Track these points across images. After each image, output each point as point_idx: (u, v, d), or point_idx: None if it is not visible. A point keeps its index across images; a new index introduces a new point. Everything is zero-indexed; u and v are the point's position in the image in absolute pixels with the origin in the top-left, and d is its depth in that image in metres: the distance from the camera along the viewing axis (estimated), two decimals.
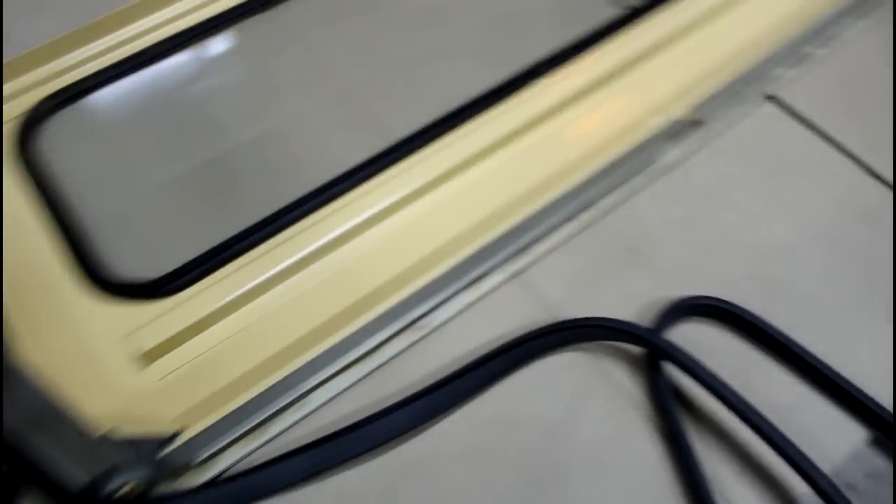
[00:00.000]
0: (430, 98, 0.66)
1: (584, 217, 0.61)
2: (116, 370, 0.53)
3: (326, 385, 0.54)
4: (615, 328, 0.54)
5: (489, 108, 0.63)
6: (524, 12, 0.74)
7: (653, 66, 0.67)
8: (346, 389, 0.55)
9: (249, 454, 0.53)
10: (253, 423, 0.52)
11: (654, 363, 0.54)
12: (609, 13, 0.72)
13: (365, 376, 0.55)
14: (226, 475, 0.52)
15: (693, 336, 0.56)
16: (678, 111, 0.63)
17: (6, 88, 0.69)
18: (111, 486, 0.48)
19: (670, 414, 0.52)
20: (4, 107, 0.69)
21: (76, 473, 0.45)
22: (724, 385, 0.52)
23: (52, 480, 0.42)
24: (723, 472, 0.51)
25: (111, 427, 0.46)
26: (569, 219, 0.61)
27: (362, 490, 0.51)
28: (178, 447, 0.49)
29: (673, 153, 0.64)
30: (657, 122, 0.62)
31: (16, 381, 0.38)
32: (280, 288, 0.56)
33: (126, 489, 0.49)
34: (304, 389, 0.53)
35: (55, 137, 0.68)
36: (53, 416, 0.41)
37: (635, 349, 0.56)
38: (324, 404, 0.54)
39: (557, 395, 0.54)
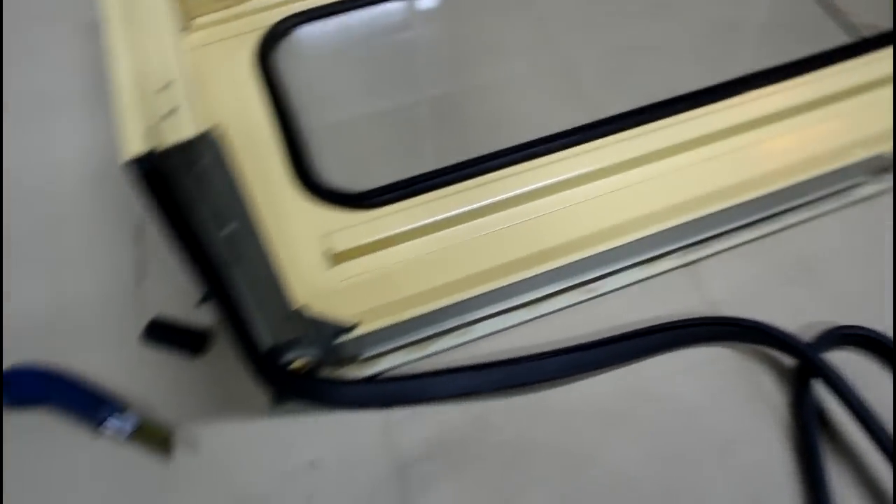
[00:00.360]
0: (640, 86, 0.69)
1: (767, 227, 0.62)
2: (309, 263, 0.59)
3: (492, 320, 0.59)
4: (775, 335, 0.55)
5: (698, 106, 0.65)
6: (750, 23, 0.75)
7: (870, 98, 0.67)
8: (508, 328, 0.59)
9: (408, 363, 0.58)
10: (418, 337, 0.57)
11: (805, 379, 0.55)
12: (837, 40, 0.72)
13: (528, 321, 0.59)
14: (384, 376, 0.57)
15: (846, 365, 0.56)
16: (885, 147, 0.63)
17: (257, 2, 0.77)
18: (288, 357, 0.54)
19: (810, 431, 0.53)
20: (253, 18, 0.77)
21: (266, 336, 0.51)
22: (872, 416, 0.52)
23: (249, 336, 0.49)
24: (850, 502, 0.52)
25: (303, 305, 0.51)
26: (751, 225, 0.62)
27: (501, 421, 0.55)
28: (351, 340, 0.55)
29: (870, 187, 0.64)
30: (861, 154, 0.62)
31: (251, 238, 0.44)
32: (470, 225, 0.60)
33: (298, 363, 0.55)
34: (471, 319, 0.58)
35: (288, 53, 0.76)
36: (269, 280, 0.47)
37: (787, 361, 0.57)
38: (485, 336, 0.59)
39: (701, 384, 0.56)
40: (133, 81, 0.39)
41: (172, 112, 0.37)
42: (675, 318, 0.58)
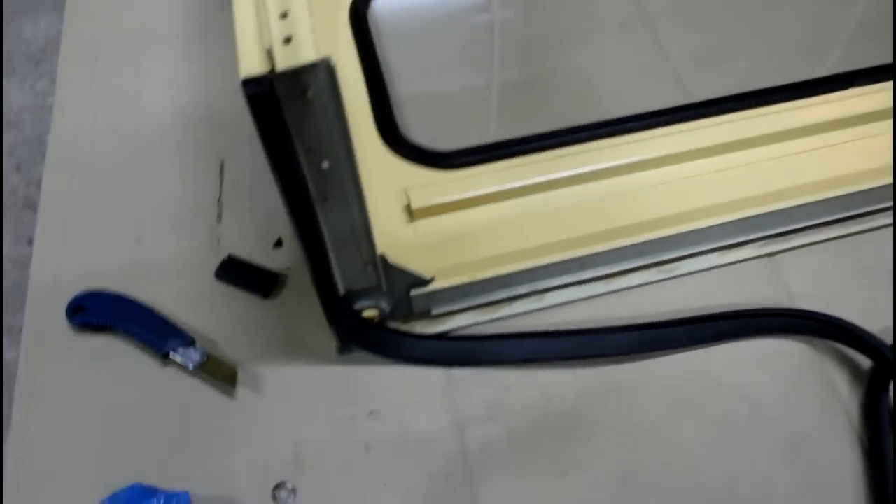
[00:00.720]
0: (735, 73, 0.68)
1: (853, 226, 0.61)
2: (388, 216, 0.59)
3: (565, 290, 0.58)
4: (857, 334, 0.54)
5: (793, 98, 0.63)
6: (856, 20, 0.74)
7: None
8: (580, 300, 0.58)
9: (478, 324, 0.58)
10: (490, 300, 0.57)
11: (883, 381, 0.54)
12: None
13: (601, 294, 0.59)
14: (453, 334, 0.57)
15: None
16: None
17: None
18: (361, 305, 0.54)
19: (882, 435, 0.52)
20: None
21: (343, 281, 0.51)
22: None
23: (330, 277, 0.49)
24: None
25: (382, 254, 0.51)
26: (837, 222, 0.61)
27: (565, 391, 0.55)
28: (423, 294, 0.55)
29: None
30: None
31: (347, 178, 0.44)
32: (550, 194, 0.59)
33: (369, 313, 0.55)
34: (544, 287, 0.57)
35: (380, 17, 0.75)
36: (356, 223, 0.47)
37: (863, 362, 0.55)
38: (556, 306, 0.58)
39: (773, 377, 0.55)
40: (254, 6, 0.39)
41: (291, 38, 0.37)
42: (752, 307, 0.57)
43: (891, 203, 0.61)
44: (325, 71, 0.38)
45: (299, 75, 0.37)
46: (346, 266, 0.50)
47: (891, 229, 0.62)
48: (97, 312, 0.58)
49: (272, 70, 0.36)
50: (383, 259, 0.51)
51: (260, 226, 0.63)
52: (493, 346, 0.56)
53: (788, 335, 0.57)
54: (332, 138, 0.41)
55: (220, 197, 0.65)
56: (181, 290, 0.60)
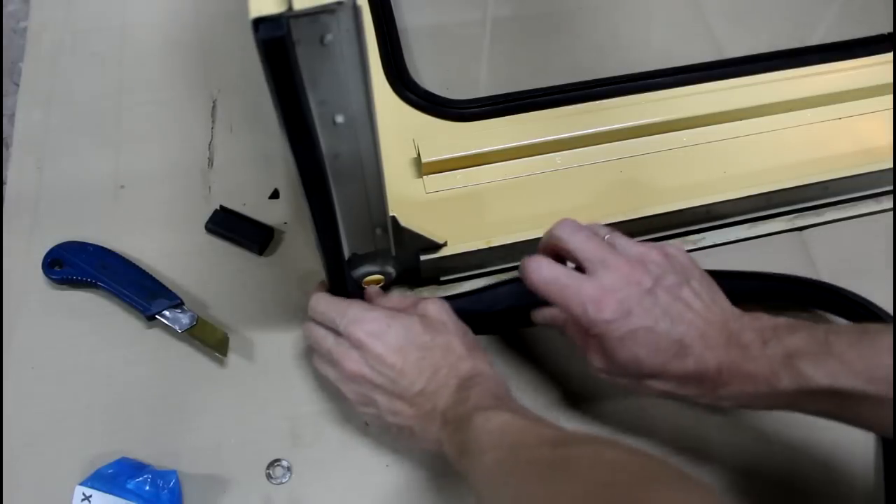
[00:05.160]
0: (769, 30, 0.64)
1: (888, 202, 0.58)
2: (394, 168, 0.54)
3: None
4: (880, 316, 0.51)
5: (833, 60, 0.59)
6: None
7: None
8: None
9: None
10: (502, 266, 0.53)
11: None
12: None
13: None
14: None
15: None
16: None
17: None
18: (365, 269, 0.50)
19: None
20: None
21: (351, 243, 0.47)
22: None
23: (337, 239, 0.44)
24: None
25: (394, 216, 0.47)
26: (873, 197, 0.57)
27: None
28: (435, 259, 0.51)
29: None
30: None
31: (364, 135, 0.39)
32: (568, 153, 0.55)
33: (374, 279, 0.51)
34: None
35: None
36: (369, 184, 0.42)
37: None
38: None
39: None
40: None
41: None
42: None
43: None
44: (349, 12, 0.33)
45: (320, 16, 0.32)
46: (355, 229, 0.46)
47: None
48: (77, 268, 0.53)
49: (289, 9, 0.31)
50: (394, 221, 0.47)
51: (255, 174, 0.59)
52: (486, 297, 0.52)
53: (811, 308, 0.53)
54: (350, 90, 0.37)
55: (211, 140, 0.60)
56: (168, 243, 0.56)
